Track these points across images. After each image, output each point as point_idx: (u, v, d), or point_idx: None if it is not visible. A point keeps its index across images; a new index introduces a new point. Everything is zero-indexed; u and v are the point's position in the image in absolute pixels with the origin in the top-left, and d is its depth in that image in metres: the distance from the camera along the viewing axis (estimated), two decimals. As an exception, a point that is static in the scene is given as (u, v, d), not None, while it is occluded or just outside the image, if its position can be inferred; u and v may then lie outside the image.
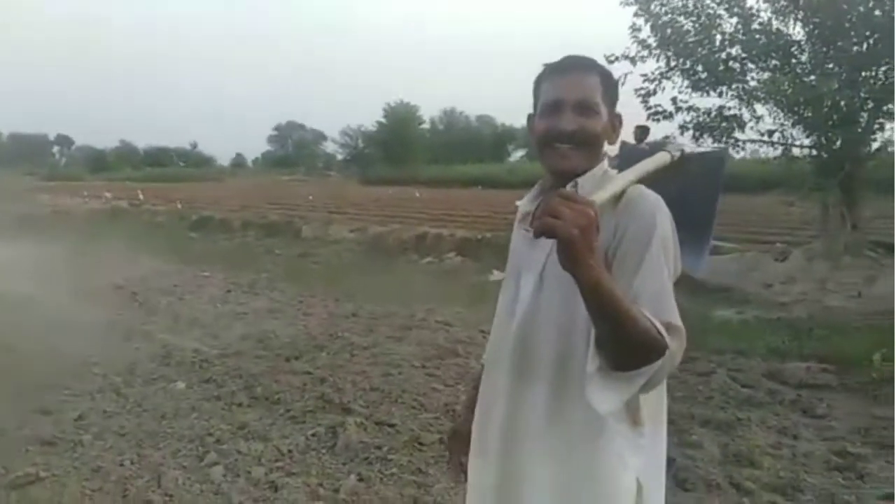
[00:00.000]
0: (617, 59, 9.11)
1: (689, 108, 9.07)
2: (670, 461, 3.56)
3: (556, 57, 1.35)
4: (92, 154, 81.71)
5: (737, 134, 9.02)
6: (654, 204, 1.21)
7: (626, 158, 1.36)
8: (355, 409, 4.12)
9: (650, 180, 1.26)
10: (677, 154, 1.14)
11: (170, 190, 30.00)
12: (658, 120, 9.14)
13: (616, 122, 1.33)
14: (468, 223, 13.84)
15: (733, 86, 8.77)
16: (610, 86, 1.31)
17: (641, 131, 10.03)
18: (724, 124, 8.90)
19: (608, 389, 1.14)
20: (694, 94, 9.02)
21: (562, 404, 1.25)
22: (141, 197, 22.24)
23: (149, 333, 6.03)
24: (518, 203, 1.42)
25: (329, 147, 68.62)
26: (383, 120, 50.08)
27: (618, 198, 1.19)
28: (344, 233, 12.73)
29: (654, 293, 1.15)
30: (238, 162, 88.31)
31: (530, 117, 1.38)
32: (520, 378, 1.30)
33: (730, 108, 8.96)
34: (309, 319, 6.66)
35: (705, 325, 6.46)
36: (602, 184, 1.21)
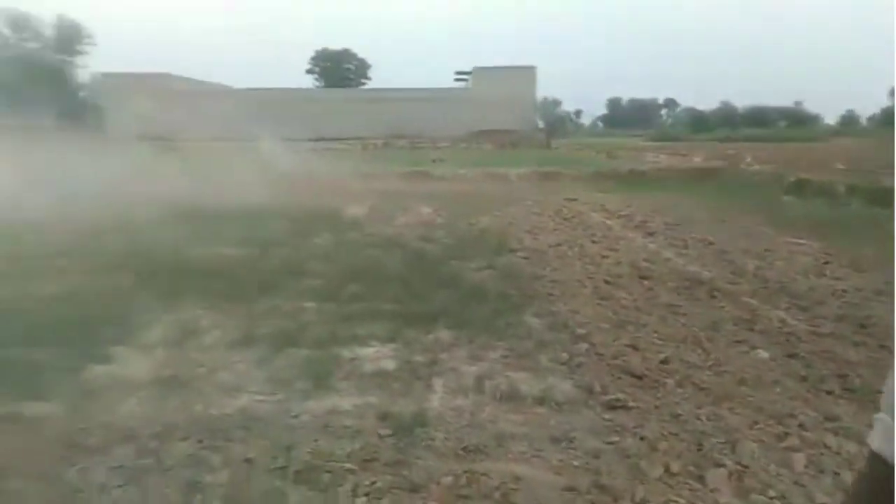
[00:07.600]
0: None
1: None
2: None
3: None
4: (694, 115, 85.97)
5: None
6: None
7: None
8: None
9: None
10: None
11: (770, 150, 28.95)
12: None
13: None
14: None
15: None
16: None
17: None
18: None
19: None
20: None
21: None
22: (735, 155, 22.14)
23: (733, 294, 5.95)
24: None
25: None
26: None
27: None
28: None
29: None
30: (847, 120, 78.94)
31: None
32: None
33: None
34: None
35: None
36: None
